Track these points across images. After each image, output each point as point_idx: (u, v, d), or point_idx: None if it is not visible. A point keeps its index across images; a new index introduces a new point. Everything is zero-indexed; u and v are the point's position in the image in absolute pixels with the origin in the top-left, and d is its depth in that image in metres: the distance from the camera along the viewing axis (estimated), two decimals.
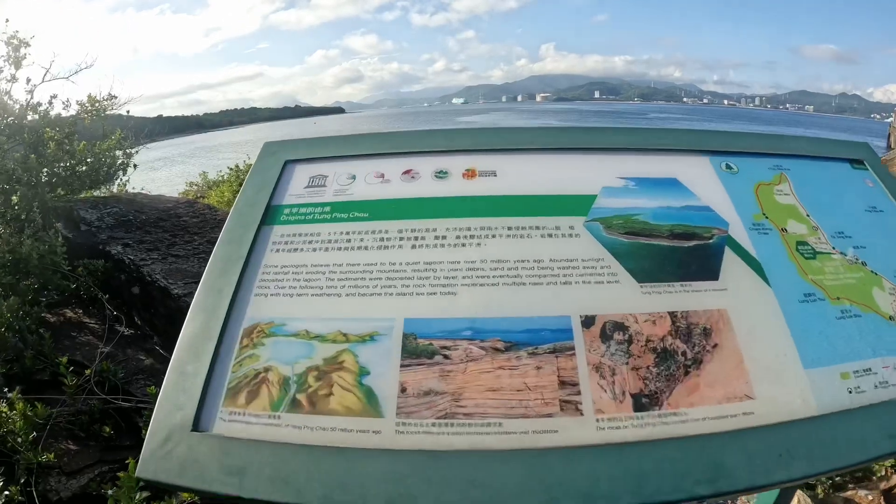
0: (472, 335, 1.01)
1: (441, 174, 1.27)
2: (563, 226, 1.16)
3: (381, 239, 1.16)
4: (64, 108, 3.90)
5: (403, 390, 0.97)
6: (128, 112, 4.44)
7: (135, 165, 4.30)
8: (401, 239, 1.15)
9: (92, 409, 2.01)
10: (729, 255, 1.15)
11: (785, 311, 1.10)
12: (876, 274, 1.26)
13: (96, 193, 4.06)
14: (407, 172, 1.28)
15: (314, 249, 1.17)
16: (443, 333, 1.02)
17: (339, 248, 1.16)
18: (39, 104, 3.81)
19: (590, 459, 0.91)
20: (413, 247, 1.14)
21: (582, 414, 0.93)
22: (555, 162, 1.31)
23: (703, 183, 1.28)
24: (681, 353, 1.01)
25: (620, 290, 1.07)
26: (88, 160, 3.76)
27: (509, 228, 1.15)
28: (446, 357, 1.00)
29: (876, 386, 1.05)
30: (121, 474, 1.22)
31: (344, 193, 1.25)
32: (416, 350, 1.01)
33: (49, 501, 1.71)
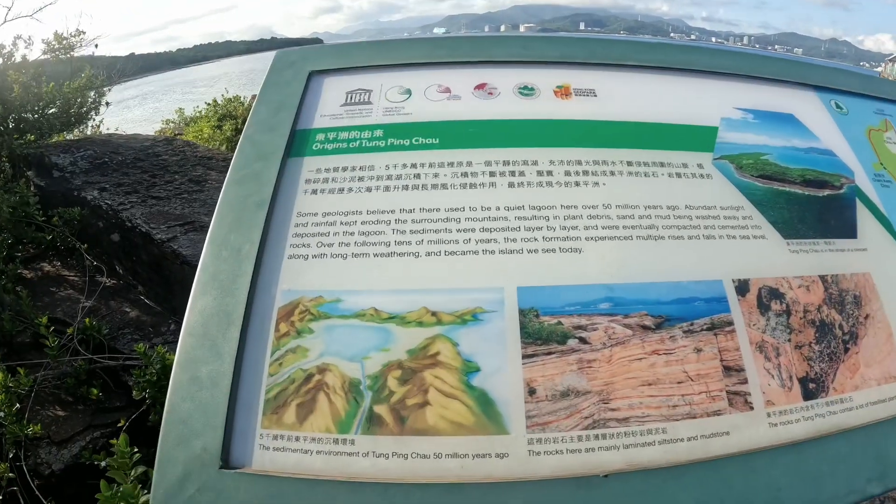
0: (611, 308, 0.67)
1: (526, 90, 0.84)
2: (691, 163, 0.81)
3: (465, 174, 0.74)
4: (27, 47, 3.27)
5: (532, 392, 0.62)
6: (96, 47, 3.67)
7: (107, 104, 3.60)
8: (492, 174, 0.74)
9: (77, 370, 1.63)
10: (861, 210, 0.91)
11: None
12: None
13: (70, 137, 3.44)
14: (480, 87, 0.83)
15: (369, 189, 0.73)
16: (574, 307, 0.66)
17: (406, 188, 0.73)
18: (3, 46, 3.18)
19: (766, 465, 0.64)
20: (511, 185, 0.74)
21: (752, 408, 0.65)
22: (661, 84, 0.95)
23: (820, 122, 1.01)
24: (838, 326, 0.74)
25: (769, 248, 0.78)
26: (58, 102, 3.10)
27: (629, 164, 0.79)
28: (583, 341, 0.64)
29: None
30: (113, 441, 0.86)
31: (398, 113, 0.80)
32: (540, 332, 0.65)
33: (41, 476, 1.39)
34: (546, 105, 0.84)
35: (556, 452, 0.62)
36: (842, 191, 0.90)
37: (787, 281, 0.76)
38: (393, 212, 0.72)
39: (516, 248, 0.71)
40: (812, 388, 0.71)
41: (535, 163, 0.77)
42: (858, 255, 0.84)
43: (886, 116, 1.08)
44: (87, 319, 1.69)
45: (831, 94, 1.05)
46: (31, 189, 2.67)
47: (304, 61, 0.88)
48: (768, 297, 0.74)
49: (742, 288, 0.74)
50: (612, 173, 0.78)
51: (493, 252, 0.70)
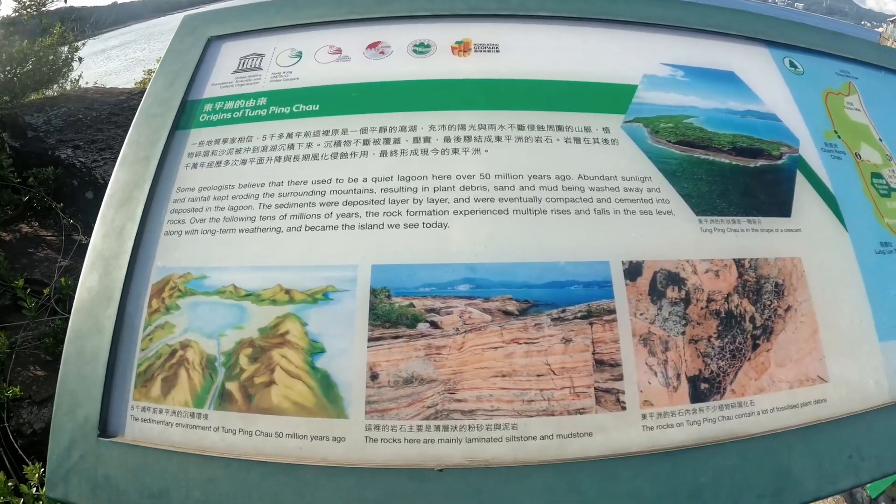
0: (471, 291, 0.51)
1: (421, 48, 0.67)
2: (596, 127, 0.61)
3: (338, 143, 0.59)
4: None
5: (374, 377, 0.49)
6: (65, 1, 3.27)
7: (80, 59, 3.20)
8: (365, 142, 0.59)
9: (55, 329, 1.54)
10: (801, 184, 0.71)
11: (861, 262, 0.69)
12: None
13: (49, 94, 3.11)
14: (373, 46, 0.66)
15: (243, 162, 0.60)
16: (429, 288, 0.52)
17: (279, 159, 0.60)
18: None
19: (632, 473, 0.48)
20: (383, 153, 0.58)
21: (624, 408, 0.49)
22: (577, 37, 0.74)
23: (766, 82, 0.78)
24: (749, 319, 0.54)
25: (674, 226, 0.58)
26: (31, 61, 2.73)
27: (520, 128, 0.60)
28: (435, 325, 0.50)
29: None
30: None
31: (285, 78, 0.65)
32: (390, 315, 0.51)
33: (23, 436, 1.33)
34: (440, 64, 0.67)
35: (394, 441, 0.51)
36: (779, 161, 0.67)
37: (691, 264, 0.57)
38: (263, 185, 0.60)
39: (377, 223, 0.57)
40: (704, 388, 0.54)
41: (414, 128, 0.61)
42: (789, 237, 0.62)
43: (851, 79, 0.80)
44: (62, 279, 1.58)
45: (787, 50, 0.79)
46: (6, 151, 2.34)
47: (205, 26, 0.76)
48: (664, 283, 0.56)
49: (633, 271, 0.56)
50: (499, 139, 0.61)
51: (353, 227, 0.57)
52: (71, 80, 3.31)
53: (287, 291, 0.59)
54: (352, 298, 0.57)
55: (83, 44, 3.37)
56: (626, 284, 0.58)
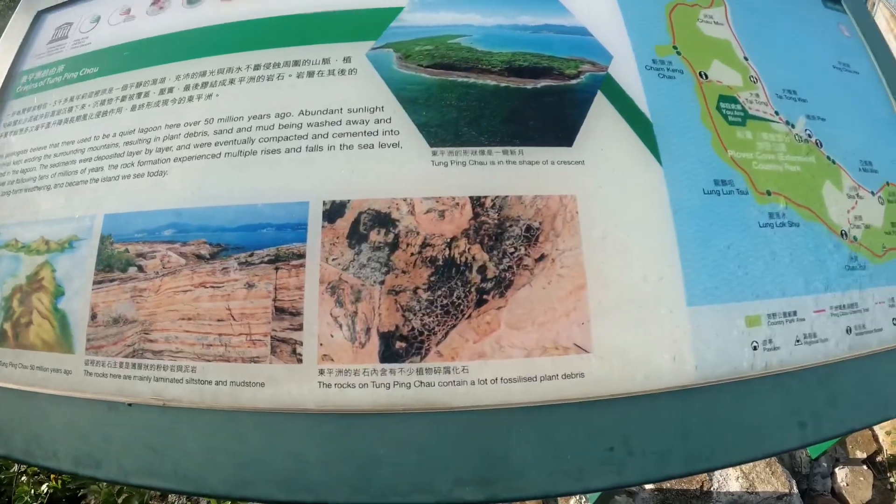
0: (173, 235, 0.52)
1: None
2: (336, 58, 0.56)
3: (102, 102, 0.63)
4: None
5: (94, 317, 0.53)
6: None
7: None
8: (122, 99, 0.62)
9: None
10: (601, 108, 0.56)
11: (676, 204, 0.54)
12: (833, 162, 0.66)
13: None
14: (156, 3, 0.67)
15: (37, 128, 0.67)
16: (142, 234, 0.54)
17: (60, 122, 0.65)
18: None
19: (300, 431, 0.45)
20: (133, 108, 0.61)
21: (301, 361, 0.44)
22: None
23: None
24: (476, 269, 0.45)
25: (398, 160, 0.51)
26: None
27: (256, 68, 0.56)
28: (141, 269, 0.52)
29: (798, 341, 0.50)
30: None
31: (81, 44, 0.71)
32: (110, 260, 0.55)
33: None
34: (206, 11, 0.66)
35: (102, 375, 0.55)
36: (572, 82, 0.53)
37: (409, 203, 0.50)
38: (44, 148, 0.67)
39: (115, 174, 0.60)
40: (399, 347, 0.47)
41: (163, 80, 0.62)
42: (564, 171, 0.50)
43: None
44: None
45: None
46: None
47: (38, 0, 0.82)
48: (369, 225, 0.50)
49: (334, 212, 0.50)
50: (232, 82, 0.59)
51: (97, 180, 0.60)
52: None
53: (46, 242, 0.65)
54: (87, 246, 0.61)
55: None
56: (323, 227, 0.52)
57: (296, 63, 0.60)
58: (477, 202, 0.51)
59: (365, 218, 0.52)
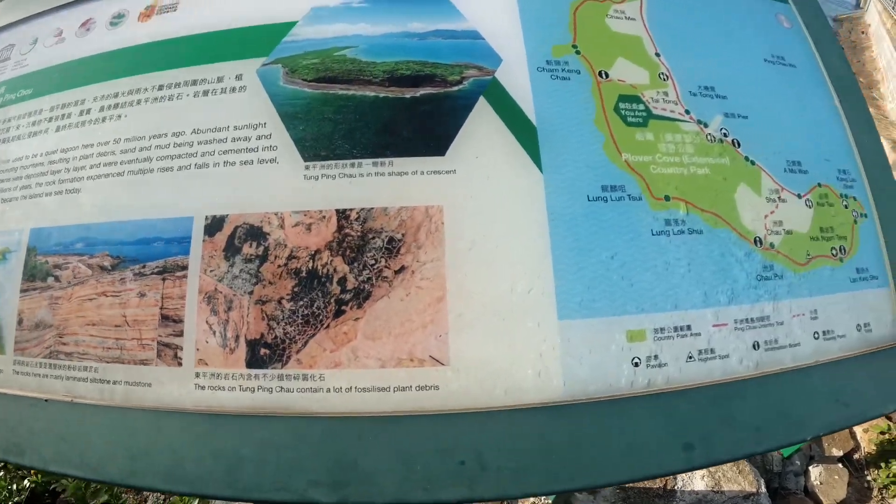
0: (83, 248, 0.57)
1: (116, 19, 0.71)
2: (229, 75, 0.60)
3: (34, 123, 0.68)
4: None
5: (20, 322, 0.60)
6: None
7: None
8: (49, 120, 0.67)
9: None
10: (482, 113, 0.56)
11: (554, 213, 0.55)
12: (752, 163, 0.63)
13: None
14: (84, 25, 0.72)
15: None
16: (58, 247, 0.60)
17: (2, 141, 0.71)
18: None
19: (177, 429, 0.50)
20: (57, 129, 0.66)
21: (180, 364, 0.50)
22: None
23: None
24: (337, 281, 0.49)
25: (273, 175, 0.54)
26: None
27: (160, 88, 0.61)
28: (57, 279, 0.58)
29: (691, 357, 0.49)
30: None
31: (21, 66, 0.76)
32: (34, 270, 0.62)
33: None
34: (126, 33, 0.70)
35: (28, 374, 0.62)
36: (454, 88, 0.54)
37: (279, 217, 0.53)
38: None
39: (40, 192, 0.66)
40: (264, 354, 0.51)
41: (83, 102, 0.67)
42: (434, 181, 0.52)
43: None
44: None
45: None
46: None
47: None
48: (242, 238, 0.53)
49: (214, 226, 0.55)
50: (139, 102, 0.63)
51: (26, 198, 0.66)
52: None
53: None
54: (16, 258, 0.67)
55: None
56: (204, 240, 0.55)
57: (194, 83, 0.63)
58: (342, 215, 0.54)
59: (240, 232, 0.56)
